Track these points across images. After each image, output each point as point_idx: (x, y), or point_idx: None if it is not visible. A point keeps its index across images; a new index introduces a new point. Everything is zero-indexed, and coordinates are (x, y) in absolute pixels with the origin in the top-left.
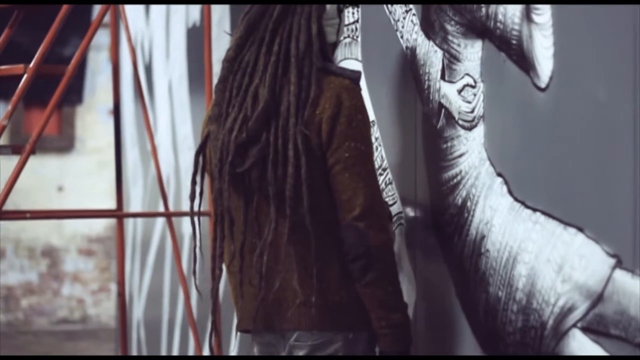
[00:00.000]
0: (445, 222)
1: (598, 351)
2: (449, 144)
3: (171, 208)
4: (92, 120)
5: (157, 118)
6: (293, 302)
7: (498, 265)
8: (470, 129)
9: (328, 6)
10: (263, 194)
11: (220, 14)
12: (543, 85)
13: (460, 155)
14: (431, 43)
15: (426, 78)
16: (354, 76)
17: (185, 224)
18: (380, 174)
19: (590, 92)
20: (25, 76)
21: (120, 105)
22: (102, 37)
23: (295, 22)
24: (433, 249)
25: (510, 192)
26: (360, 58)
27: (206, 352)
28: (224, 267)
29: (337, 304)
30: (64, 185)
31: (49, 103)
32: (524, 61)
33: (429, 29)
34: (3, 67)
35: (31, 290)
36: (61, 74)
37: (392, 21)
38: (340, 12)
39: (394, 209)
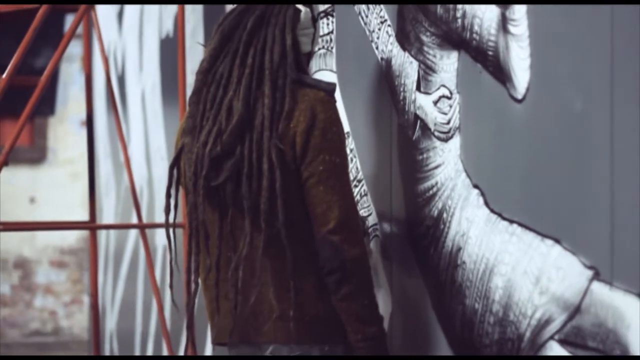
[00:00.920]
0: (421, 233)
1: None
2: (425, 155)
3: (144, 219)
4: (64, 132)
5: (130, 129)
6: (269, 315)
7: (474, 277)
8: (446, 140)
9: (302, 16)
10: (238, 207)
11: (194, 25)
12: (520, 97)
13: (436, 167)
14: (407, 54)
15: (401, 89)
16: (329, 88)
17: (158, 236)
18: (356, 186)
19: (567, 103)
20: None
21: (93, 116)
22: (74, 48)
23: (269, 33)
24: (409, 260)
25: (486, 203)
26: (335, 69)
27: None
28: (199, 281)
29: (314, 317)
30: (36, 196)
31: (21, 114)
32: (501, 72)
33: (405, 40)
34: None
35: (3, 302)
36: (34, 85)
37: (367, 32)
38: (314, 22)
39: (370, 221)
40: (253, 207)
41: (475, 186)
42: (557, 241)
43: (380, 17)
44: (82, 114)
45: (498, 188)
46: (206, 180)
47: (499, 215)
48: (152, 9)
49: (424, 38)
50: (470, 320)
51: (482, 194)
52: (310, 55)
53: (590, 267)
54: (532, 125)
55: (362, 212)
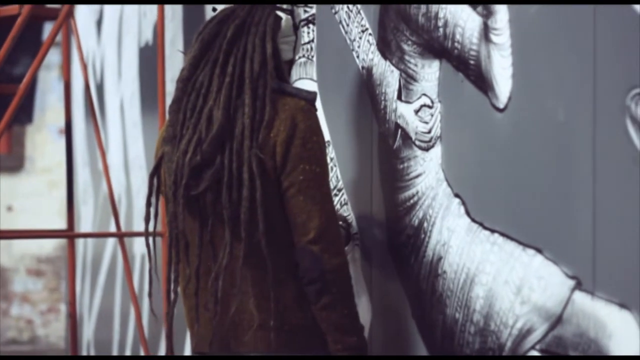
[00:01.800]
0: (401, 243)
1: None
2: (406, 164)
3: (123, 228)
4: (42, 140)
5: (108, 138)
6: (249, 325)
7: (455, 287)
8: (427, 149)
9: (283, 24)
10: (218, 217)
11: (174, 33)
12: (501, 106)
13: (417, 176)
14: (388, 63)
15: (382, 98)
16: (310, 97)
17: (137, 244)
18: (336, 195)
19: (549, 112)
20: None
21: (71, 124)
22: (53, 56)
23: (249, 42)
24: (389, 269)
25: (467, 213)
26: (315, 78)
27: None
28: (179, 290)
29: (294, 327)
30: (13, 205)
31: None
32: (482, 81)
33: (386, 49)
34: None
35: None
36: (12, 93)
37: (348, 41)
38: (296, 30)
39: (351, 230)
40: (233, 216)
41: (457, 195)
42: (539, 251)
43: (361, 25)
44: (60, 122)
45: (479, 197)
46: (186, 189)
47: (480, 224)
48: (131, 18)
49: (405, 47)
50: (451, 329)
51: (464, 203)
52: (291, 63)
53: (572, 277)
54: (514, 134)
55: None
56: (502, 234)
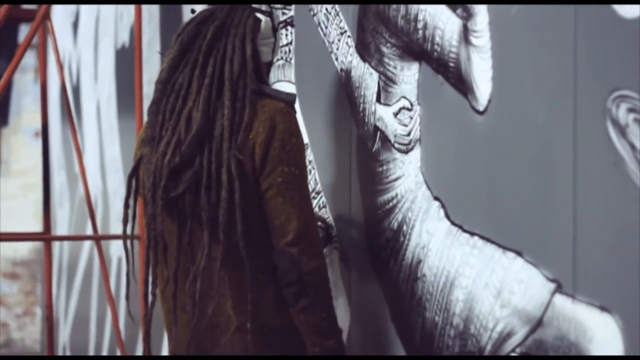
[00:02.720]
0: (380, 246)
1: None
2: (385, 167)
3: (99, 231)
4: (17, 143)
5: (84, 140)
6: (227, 327)
7: (435, 290)
8: (406, 152)
9: (263, 26)
10: (196, 218)
11: (151, 36)
12: (481, 109)
13: (396, 179)
14: (367, 65)
15: (361, 100)
16: (289, 99)
17: (113, 247)
18: (314, 197)
19: (529, 115)
20: None
21: (48, 127)
22: (28, 58)
23: (229, 43)
24: (368, 273)
25: (447, 216)
26: (293, 80)
27: None
28: (157, 292)
29: (271, 329)
30: None
31: None
32: (462, 84)
33: (365, 51)
34: None
35: None
36: None
37: (327, 43)
38: (275, 32)
39: (330, 233)
40: (212, 218)
41: (436, 198)
42: (519, 254)
43: (340, 28)
44: (36, 125)
45: (459, 200)
46: (165, 191)
47: (460, 227)
48: (107, 20)
49: (384, 49)
50: (430, 333)
51: (443, 206)
52: (270, 65)
53: (552, 280)
54: (494, 137)
55: (321, 224)
56: (482, 237)
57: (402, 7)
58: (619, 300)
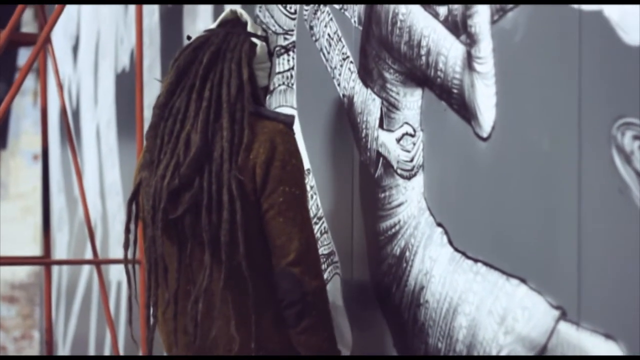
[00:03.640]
0: (382, 272)
1: None
2: (387, 193)
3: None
4: (16, 165)
5: (84, 163)
6: (229, 349)
7: (438, 317)
8: (409, 178)
9: (258, 50)
10: (197, 240)
11: (151, 60)
12: (485, 135)
13: (399, 205)
14: (369, 91)
15: (364, 126)
16: (288, 120)
17: (112, 271)
18: (316, 223)
19: (533, 142)
20: None
21: (48, 150)
22: (26, 81)
23: (225, 67)
24: (370, 299)
25: (450, 242)
26: (295, 105)
27: None
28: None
29: (270, 352)
30: None
31: None
32: (466, 110)
33: (367, 76)
34: None
35: None
36: None
37: (329, 69)
38: (271, 56)
39: (331, 259)
40: (213, 239)
41: (439, 224)
42: (523, 281)
43: (343, 53)
44: (34, 148)
45: (462, 227)
46: (164, 213)
47: (463, 254)
48: (107, 43)
49: (387, 75)
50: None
51: (446, 233)
52: (266, 89)
53: (556, 307)
54: (498, 163)
55: (322, 250)
56: (486, 264)
57: (405, 33)
58: (623, 327)
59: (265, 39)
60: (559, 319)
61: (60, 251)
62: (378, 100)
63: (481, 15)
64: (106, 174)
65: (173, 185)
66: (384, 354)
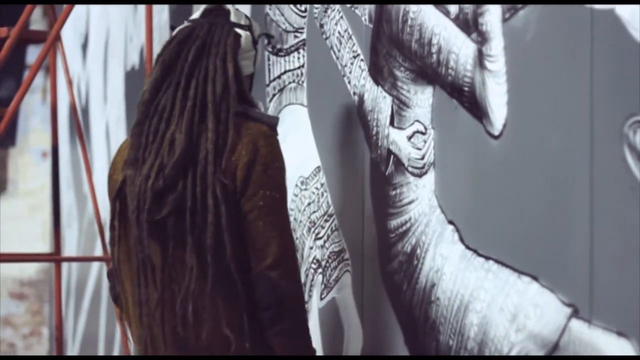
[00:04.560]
0: (393, 269)
1: None
2: (398, 190)
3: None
4: (25, 163)
5: (93, 161)
6: (224, 348)
7: (449, 314)
8: (420, 175)
9: (243, 41)
10: (179, 241)
11: None
12: (496, 133)
13: (410, 202)
14: (380, 89)
15: (374, 124)
16: (272, 122)
17: None
18: (327, 220)
19: (545, 140)
20: None
21: (58, 148)
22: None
23: (210, 63)
24: (381, 296)
25: (461, 239)
26: (305, 103)
27: None
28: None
29: (245, 351)
30: None
31: None
32: (477, 108)
33: (378, 74)
34: None
35: None
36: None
37: (340, 66)
38: (255, 44)
39: (342, 256)
40: (197, 242)
41: (450, 222)
42: (535, 278)
43: (353, 51)
44: (43, 145)
45: (474, 224)
46: (149, 214)
47: (475, 251)
48: (117, 41)
49: (398, 73)
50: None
51: (457, 230)
52: (252, 77)
53: (568, 305)
54: (509, 161)
55: (333, 247)
56: (497, 261)
57: (416, 31)
58: (636, 325)
59: (249, 27)
60: (570, 316)
61: (69, 247)
62: (389, 98)
63: (492, 14)
64: None
65: (157, 187)
66: (395, 351)
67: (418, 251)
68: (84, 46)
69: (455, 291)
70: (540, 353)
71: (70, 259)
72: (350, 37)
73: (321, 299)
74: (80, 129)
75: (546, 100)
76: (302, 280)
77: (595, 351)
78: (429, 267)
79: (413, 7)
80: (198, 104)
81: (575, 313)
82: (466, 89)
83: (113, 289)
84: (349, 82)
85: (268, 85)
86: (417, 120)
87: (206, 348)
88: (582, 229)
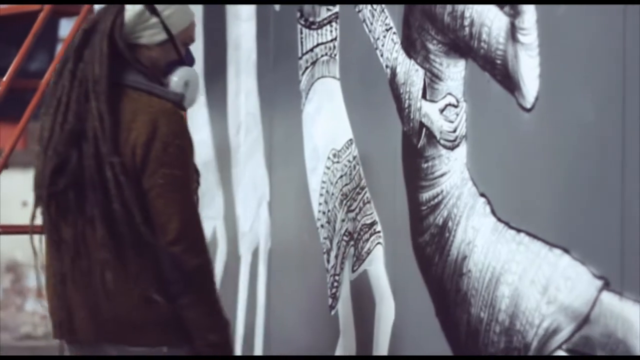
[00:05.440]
0: (425, 242)
1: None
2: (430, 163)
3: None
4: None
5: None
6: (107, 317)
7: (480, 286)
8: (452, 148)
9: (127, 17)
10: (84, 215)
11: None
12: (528, 106)
13: (442, 175)
14: (412, 62)
15: (407, 97)
16: (176, 99)
17: None
18: (358, 193)
19: (577, 112)
20: None
21: None
22: None
23: (96, 44)
24: (413, 268)
25: (493, 212)
26: (338, 76)
27: None
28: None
29: (154, 321)
30: (29, 200)
31: (16, 117)
32: (509, 81)
33: (410, 47)
34: None
35: None
36: (33, 89)
37: (372, 39)
38: (153, 12)
39: (374, 229)
40: (102, 215)
41: (482, 195)
42: (566, 251)
43: (386, 24)
44: None
45: (505, 197)
46: (48, 189)
47: (506, 224)
48: None
49: (430, 46)
50: (475, 329)
51: (489, 203)
52: (172, 41)
53: (600, 277)
54: (541, 134)
55: (365, 220)
56: (529, 234)
57: (449, 4)
58: None
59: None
60: (601, 288)
61: None
62: (421, 71)
63: None
64: None
65: (52, 163)
66: (427, 323)
67: (449, 224)
68: None
69: (486, 263)
70: (571, 325)
71: None
72: (383, 11)
73: (353, 271)
74: None
75: (578, 73)
76: (335, 251)
77: (626, 323)
78: (460, 239)
79: None
80: (83, 84)
81: (606, 285)
82: (498, 61)
83: None
84: (382, 55)
85: (300, 58)
86: (450, 93)
87: (121, 315)
88: (614, 202)
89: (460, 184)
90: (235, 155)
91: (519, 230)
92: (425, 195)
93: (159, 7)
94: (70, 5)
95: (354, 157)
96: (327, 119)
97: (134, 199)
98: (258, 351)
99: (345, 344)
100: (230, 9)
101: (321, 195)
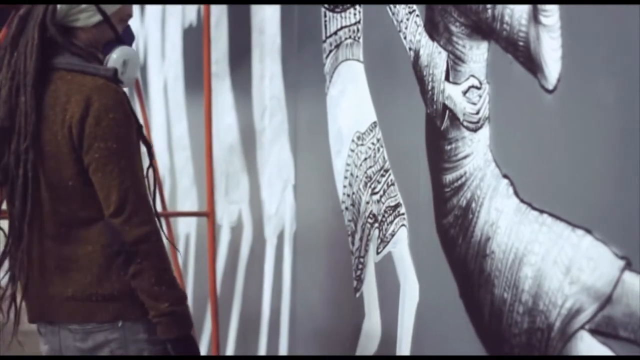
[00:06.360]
0: (449, 223)
1: (606, 352)
2: (453, 145)
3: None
4: None
5: (151, 118)
6: (62, 295)
7: (503, 267)
8: (475, 130)
9: (60, 5)
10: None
11: (218, 16)
12: (551, 87)
13: (465, 157)
14: (435, 44)
15: (430, 79)
16: (108, 74)
17: (181, 224)
18: (382, 175)
19: (599, 94)
20: None
21: None
22: None
23: (29, 32)
24: (437, 250)
25: (516, 193)
26: (362, 59)
27: None
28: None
29: (109, 295)
30: None
31: None
32: (532, 63)
33: (433, 30)
34: None
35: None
36: None
37: (395, 22)
38: None
39: (398, 211)
40: (43, 197)
41: (505, 176)
42: (589, 231)
43: (409, 7)
44: None
45: (528, 178)
46: None
47: (529, 205)
48: None
49: (453, 28)
50: (499, 309)
51: (512, 184)
52: (108, 22)
53: (622, 258)
54: (563, 115)
55: (389, 202)
56: (551, 215)
57: None
58: None
59: None
60: (624, 269)
61: None
62: (444, 53)
63: None
64: (173, 128)
65: None
66: (451, 304)
67: (473, 205)
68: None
69: (509, 244)
70: (594, 305)
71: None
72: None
73: (377, 253)
74: (139, 87)
75: (600, 55)
76: (359, 234)
77: None
78: (483, 220)
79: None
80: (15, 75)
81: (629, 266)
82: (521, 43)
83: None
84: (405, 38)
85: (324, 41)
86: (472, 75)
87: (73, 297)
88: (636, 182)
89: (483, 166)
90: (260, 139)
91: (541, 211)
92: (449, 177)
93: None
94: None
95: (378, 140)
96: (351, 102)
97: (39, 197)
98: (284, 334)
99: (370, 326)
100: None
101: (345, 177)
